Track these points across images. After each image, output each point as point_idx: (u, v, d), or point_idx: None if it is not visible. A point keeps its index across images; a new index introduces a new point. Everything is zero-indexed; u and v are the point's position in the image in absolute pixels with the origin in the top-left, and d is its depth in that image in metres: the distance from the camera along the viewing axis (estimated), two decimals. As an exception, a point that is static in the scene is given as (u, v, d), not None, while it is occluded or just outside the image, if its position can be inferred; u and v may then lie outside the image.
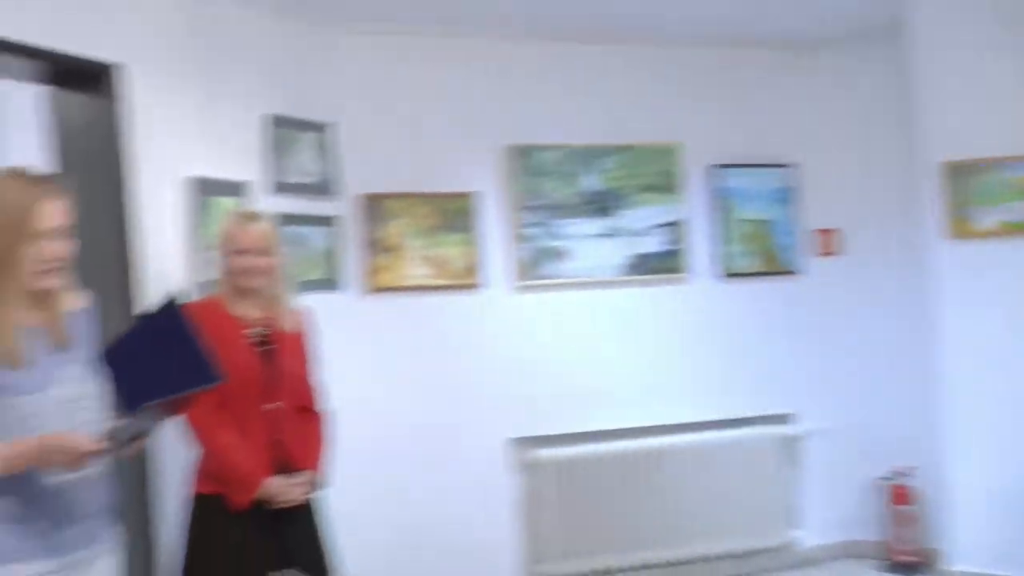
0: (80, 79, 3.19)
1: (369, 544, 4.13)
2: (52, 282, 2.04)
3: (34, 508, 1.99)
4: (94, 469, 2.08)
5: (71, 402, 2.05)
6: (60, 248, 2.03)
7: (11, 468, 1.91)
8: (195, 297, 3.18)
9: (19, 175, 2.05)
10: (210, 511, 2.78)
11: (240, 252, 2.83)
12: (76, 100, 3.24)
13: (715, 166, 4.80)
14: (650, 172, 4.66)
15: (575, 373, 4.53)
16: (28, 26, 2.86)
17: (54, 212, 2.02)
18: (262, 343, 2.85)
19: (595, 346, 4.58)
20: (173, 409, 2.27)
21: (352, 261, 4.27)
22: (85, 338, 2.17)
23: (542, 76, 4.55)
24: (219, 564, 2.75)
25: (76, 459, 1.94)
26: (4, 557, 1.94)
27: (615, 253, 4.61)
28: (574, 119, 4.58)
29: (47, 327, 2.06)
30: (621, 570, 4.56)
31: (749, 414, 4.82)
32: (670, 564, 4.61)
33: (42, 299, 2.07)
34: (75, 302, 2.18)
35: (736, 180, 4.83)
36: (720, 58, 4.85)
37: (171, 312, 2.26)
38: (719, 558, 4.71)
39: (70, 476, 2.03)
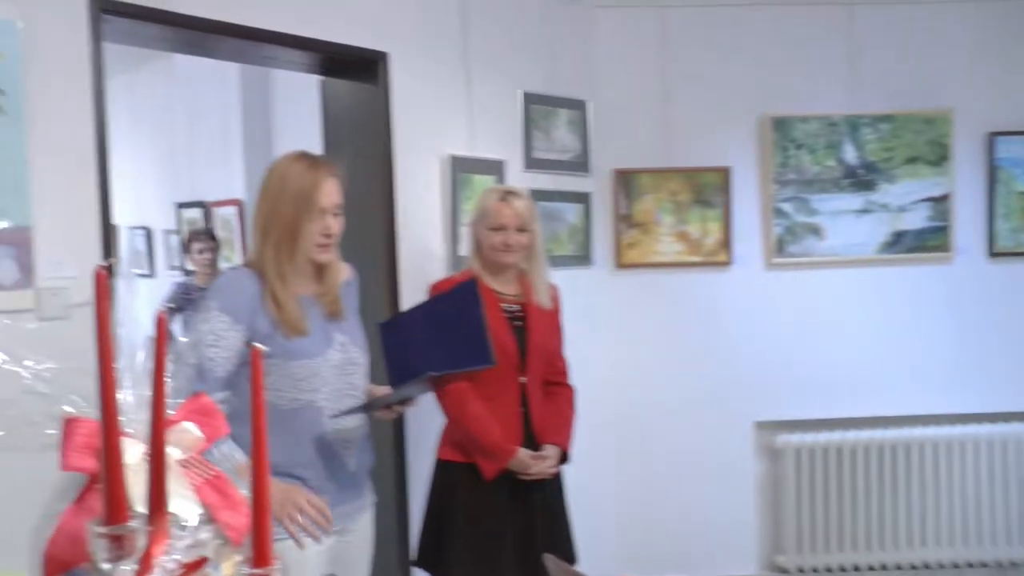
0: (349, 68, 3.45)
1: (605, 520, 4.24)
2: (329, 255, 2.24)
3: (308, 465, 2.21)
4: (357, 427, 2.28)
5: (341, 368, 2.24)
6: (336, 224, 2.23)
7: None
8: (451, 272, 3.36)
9: (303, 157, 2.26)
10: (453, 478, 2.89)
11: (498, 228, 2.89)
12: (346, 87, 3.52)
13: (990, 134, 4.40)
14: (916, 142, 4.35)
15: (826, 357, 4.35)
16: (304, 22, 3.13)
17: (333, 190, 2.22)
18: (515, 317, 2.94)
19: (848, 329, 4.36)
20: (440, 382, 2.44)
21: (603, 237, 4.34)
22: (352, 308, 2.38)
23: (800, 42, 4.35)
24: (461, 529, 2.84)
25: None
26: None
27: (874, 230, 4.36)
28: (834, 87, 4.35)
29: (322, 297, 2.28)
30: (862, 569, 4.38)
31: (1012, 409, 4.42)
32: (914, 568, 4.36)
33: (318, 271, 2.29)
34: (343, 274, 2.37)
35: (1013, 149, 4.40)
36: (996, 12, 4.40)
37: (469, 292, 2.43)
38: (970, 566, 4.39)
39: (342, 435, 2.23)
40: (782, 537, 4.40)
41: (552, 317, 3.05)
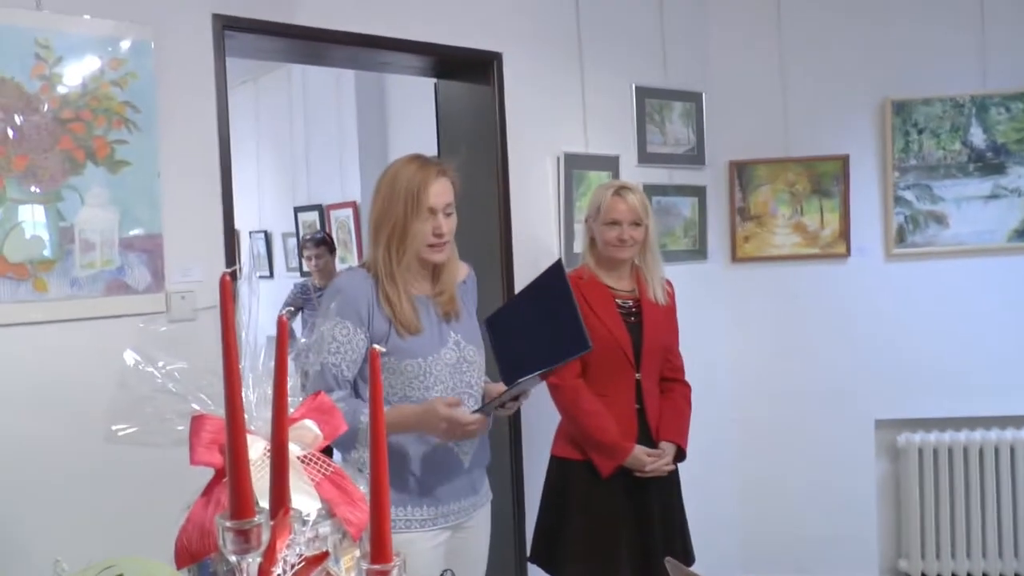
0: (463, 69, 3.51)
1: (724, 518, 4.18)
2: (441, 255, 2.27)
3: (423, 461, 2.25)
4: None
5: (455, 366, 2.27)
6: (448, 224, 2.26)
7: (399, 430, 2.16)
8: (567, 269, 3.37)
9: (415, 159, 2.29)
10: (568, 475, 2.89)
11: (612, 223, 2.89)
12: (460, 89, 3.58)
13: None
14: (1051, 123, 4.11)
15: (950, 352, 4.14)
16: (417, 25, 3.20)
17: (443, 191, 2.24)
18: (630, 313, 2.92)
19: (975, 322, 4.14)
20: (547, 376, 2.44)
21: (718, 230, 4.28)
22: (468, 307, 2.41)
23: (923, 21, 4.16)
24: (576, 527, 2.84)
25: (455, 430, 2.14)
26: (393, 501, 2.21)
27: (1004, 216, 4.11)
28: (960, 67, 4.14)
29: (437, 297, 2.31)
30: (989, 579, 4.17)
31: None
32: None
33: (434, 270, 2.32)
34: (460, 273, 2.40)
35: None
36: None
37: (556, 275, 2.43)
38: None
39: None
40: (905, 541, 4.24)
41: (668, 313, 3.03)
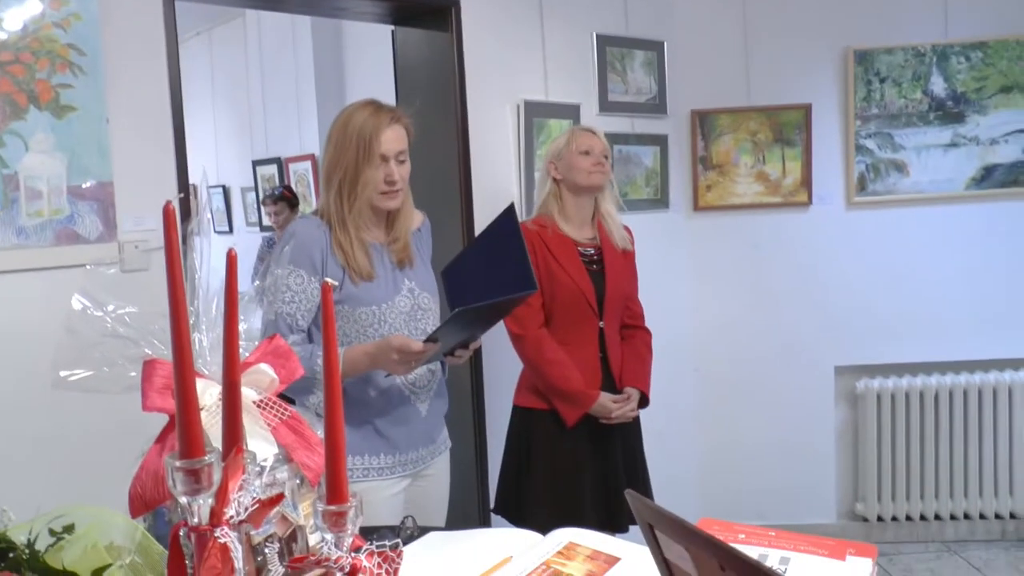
0: (421, 16, 3.44)
1: (684, 465, 4.22)
2: (393, 202, 2.23)
3: (381, 410, 2.24)
4: (429, 374, 2.29)
5: (409, 314, 2.25)
6: (400, 171, 2.21)
7: (354, 370, 2.14)
8: (524, 219, 3.34)
9: (367, 104, 2.24)
10: (531, 424, 2.89)
11: (586, 152, 2.88)
12: (417, 36, 3.51)
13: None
14: (1012, 70, 4.11)
15: (909, 299, 4.20)
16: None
17: (395, 137, 2.20)
18: (592, 261, 2.91)
19: (934, 270, 4.20)
20: (495, 316, 2.43)
21: (680, 180, 4.27)
22: (423, 255, 2.38)
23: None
24: (540, 476, 2.85)
25: (408, 359, 2.10)
26: (352, 449, 2.19)
27: (963, 165, 4.15)
28: (921, 16, 4.15)
29: (391, 244, 2.28)
30: (944, 518, 4.26)
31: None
32: (999, 517, 4.22)
33: (388, 218, 2.29)
34: (415, 221, 2.37)
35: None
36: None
37: (508, 219, 2.40)
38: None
39: (409, 379, 2.25)
40: (861, 485, 4.32)
41: (628, 259, 3.02)
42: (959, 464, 4.21)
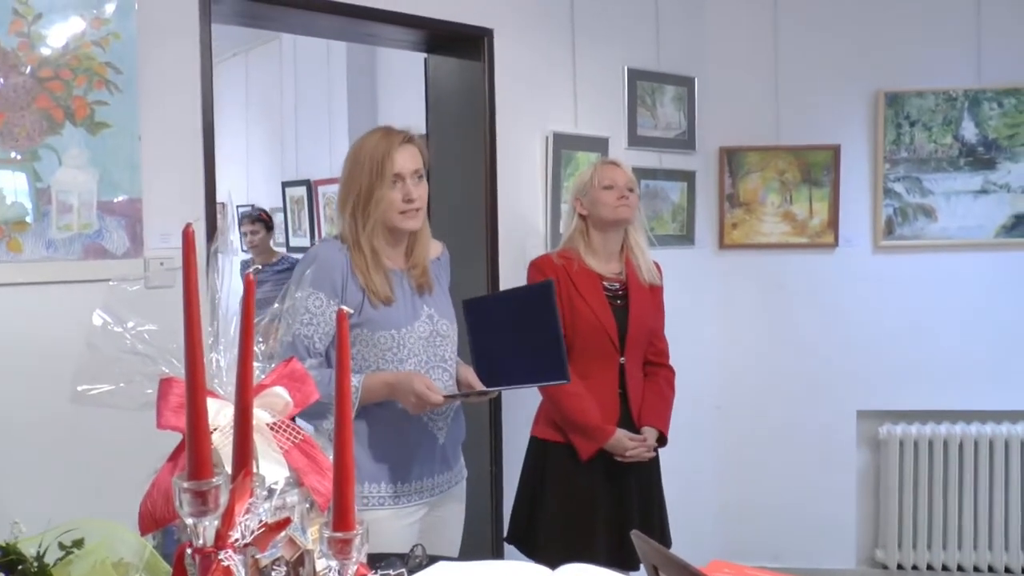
0: (454, 45, 3.47)
1: (702, 504, 4.18)
2: (414, 223, 2.23)
3: (400, 436, 2.23)
4: (450, 406, 2.29)
5: (428, 339, 2.25)
6: (418, 189, 2.22)
7: (371, 398, 2.14)
8: (549, 249, 3.34)
9: (379, 129, 2.28)
10: (547, 456, 2.87)
11: (610, 186, 2.86)
12: (450, 64, 3.54)
13: None
14: (1044, 119, 4.09)
15: (935, 345, 4.15)
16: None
17: (409, 156, 2.22)
18: (616, 296, 2.89)
19: (961, 316, 4.15)
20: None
21: (706, 217, 4.26)
22: (442, 283, 2.38)
23: (919, 14, 4.15)
24: (553, 509, 2.82)
25: (423, 405, 2.12)
26: (369, 476, 2.19)
27: (992, 212, 4.11)
28: (954, 60, 4.13)
29: (410, 270, 2.29)
30: (966, 570, 4.17)
31: None
32: None
33: (408, 244, 2.30)
34: (434, 250, 2.38)
35: None
36: None
37: (545, 296, 2.40)
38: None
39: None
40: (882, 531, 4.25)
41: (655, 295, 2.99)
42: (983, 515, 4.13)
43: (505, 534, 3.05)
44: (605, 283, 2.89)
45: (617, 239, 2.94)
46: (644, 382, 2.95)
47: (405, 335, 2.21)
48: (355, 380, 2.09)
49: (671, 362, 3.06)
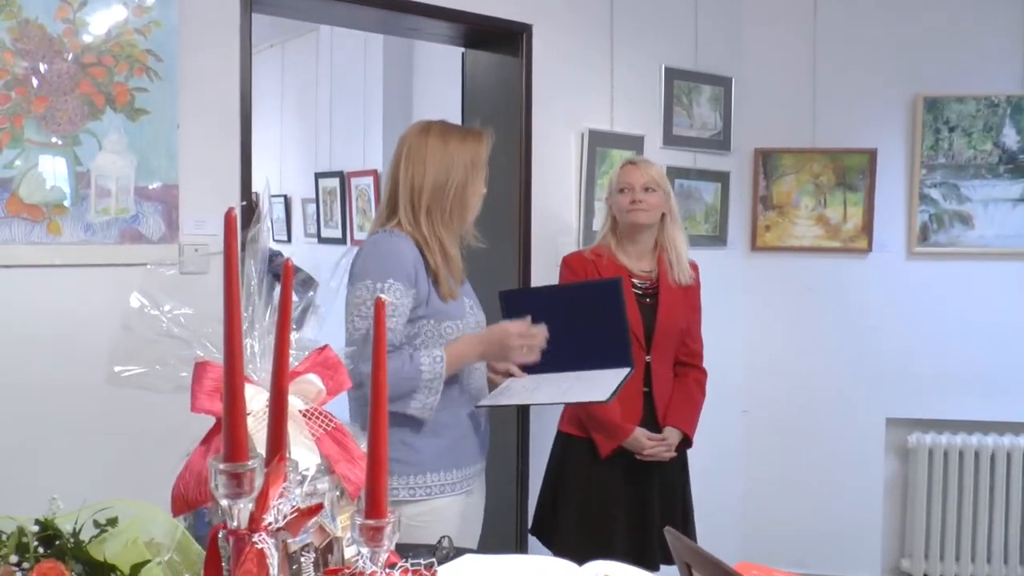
0: (492, 40, 3.47)
1: (729, 507, 4.16)
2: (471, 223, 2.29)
3: (462, 422, 2.26)
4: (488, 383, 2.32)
5: (475, 330, 2.28)
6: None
7: (461, 362, 2.19)
8: (582, 247, 3.34)
9: (449, 125, 2.27)
10: (570, 451, 2.88)
11: (624, 188, 2.86)
12: (487, 59, 3.54)
13: None
14: (1086, 127, 4.01)
15: (967, 354, 4.09)
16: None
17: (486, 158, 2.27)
18: (645, 294, 2.88)
19: (994, 326, 4.08)
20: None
21: (739, 218, 4.24)
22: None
23: (962, 17, 4.09)
24: (574, 504, 2.83)
25: (530, 341, 2.19)
26: (430, 466, 2.19)
27: (1032, 220, 4.05)
28: (997, 65, 4.07)
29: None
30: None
31: None
32: None
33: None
34: None
35: None
36: None
37: (614, 289, 2.43)
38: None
39: (476, 387, 2.28)
40: (908, 541, 4.21)
41: (688, 295, 2.96)
42: (1015, 529, 4.08)
43: (529, 526, 3.06)
44: (634, 280, 2.88)
45: (648, 238, 2.92)
46: (674, 382, 2.93)
47: (463, 326, 2.24)
48: (436, 352, 2.13)
49: (703, 363, 3.03)
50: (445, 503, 2.20)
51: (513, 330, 2.16)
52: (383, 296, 2.07)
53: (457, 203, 2.20)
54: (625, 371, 2.35)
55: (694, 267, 3.00)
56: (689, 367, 2.99)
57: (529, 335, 2.16)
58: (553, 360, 2.31)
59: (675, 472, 2.92)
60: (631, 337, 2.77)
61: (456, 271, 2.23)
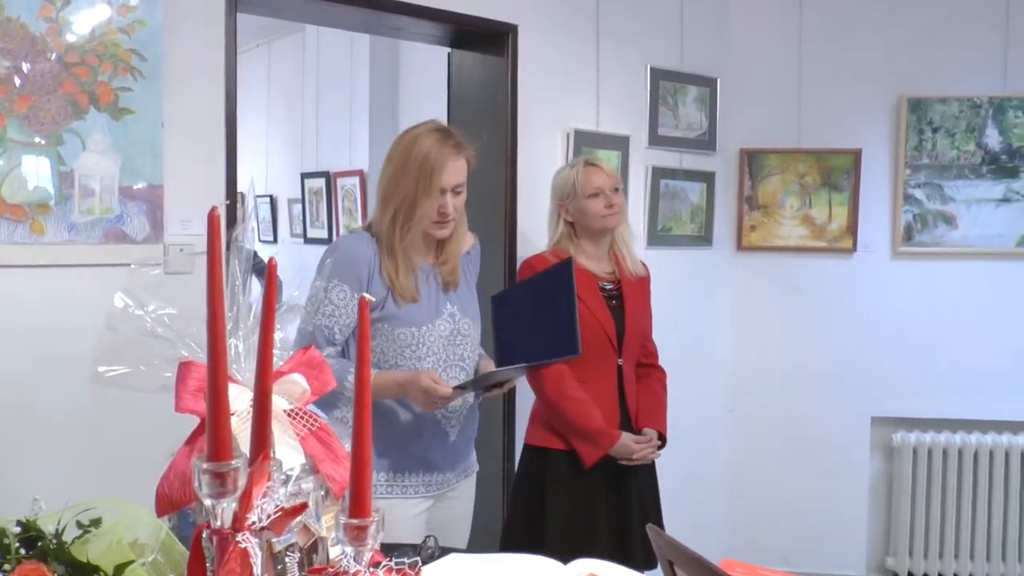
0: (478, 40, 3.47)
1: (713, 506, 4.17)
2: (444, 231, 2.22)
3: (411, 432, 2.23)
4: (461, 400, 2.26)
5: (448, 338, 2.24)
6: (456, 202, 2.20)
7: (381, 395, 2.13)
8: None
9: (437, 130, 2.21)
10: (547, 465, 2.77)
11: (594, 195, 2.78)
12: (473, 60, 3.54)
13: None
14: (1068, 128, 4.04)
15: (951, 353, 4.11)
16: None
17: (458, 170, 2.19)
18: (612, 296, 2.83)
19: (978, 325, 4.11)
20: (531, 370, 2.43)
21: (725, 218, 4.25)
22: (469, 278, 2.37)
23: (946, 19, 4.12)
24: (557, 520, 2.73)
25: (433, 400, 2.10)
26: (379, 465, 2.18)
27: (1014, 221, 4.07)
28: (980, 67, 4.09)
29: (441, 266, 2.27)
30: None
31: None
32: None
33: (440, 241, 2.28)
34: (466, 243, 2.36)
35: None
36: None
37: (564, 273, 2.38)
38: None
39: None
40: (893, 539, 4.23)
41: (644, 290, 2.93)
42: (996, 526, 4.11)
43: (499, 544, 2.94)
44: (600, 283, 2.83)
45: (607, 239, 2.88)
46: (637, 384, 2.89)
47: (425, 333, 2.20)
48: None
49: (681, 365, 3.01)
50: (391, 504, 2.16)
51: (423, 384, 2.08)
52: (333, 294, 2.08)
53: (404, 210, 2.16)
54: (573, 356, 2.33)
55: (645, 266, 2.97)
56: (649, 367, 2.96)
57: (432, 393, 2.08)
58: (519, 354, 2.30)
59: (649, 475, 2.88)
60: (604, 338, 2.77)
61: (410, 275, 2.19)
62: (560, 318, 2.31)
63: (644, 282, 2.94)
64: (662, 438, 2.85)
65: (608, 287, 2.84)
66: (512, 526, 2.87)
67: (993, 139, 4.09)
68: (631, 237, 2.93)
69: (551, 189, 2.95)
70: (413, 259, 2.20)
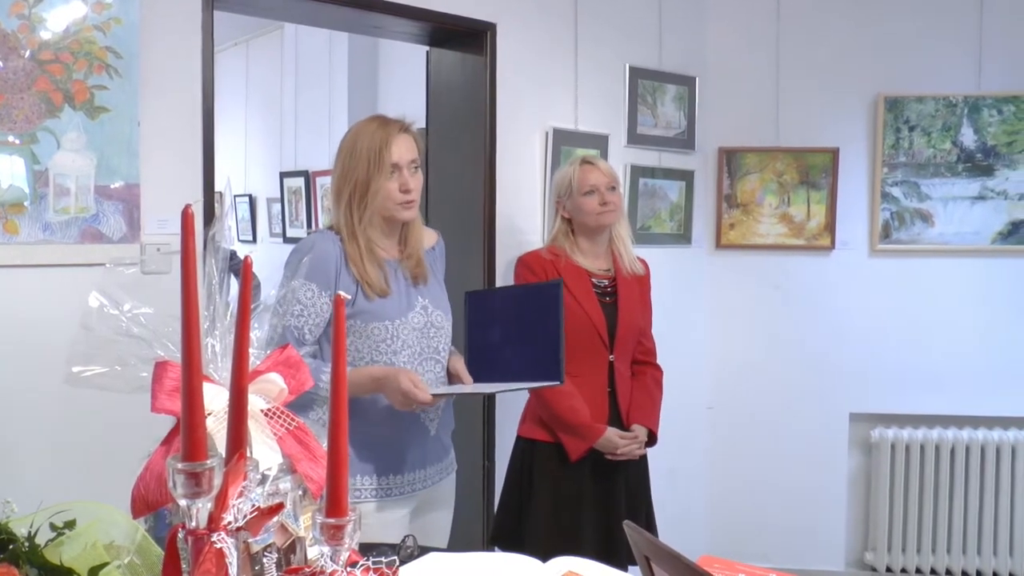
0: (457, 38, 3.47)
1: (694, 503, 4.19)
2: (410, 213, 2.23)
3: (391, 428, 2.22)
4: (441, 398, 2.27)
5: (422, 331, 2.24)
6: (415, 180, 2.21)
7: (358, 392, 2.12)
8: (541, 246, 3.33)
9: (374, 118, 2.26)
10: (535, 456, 2.83)
11: (590, 192, 2.84)
12: (452, 58, 3.54)
13: None
14: (1044, 127, 4.09)
15: (929, 350, 4.16)
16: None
17: (407, 147, 2.21)
18: (606, 293, 2.87)
19: (955, 322, 4.15)
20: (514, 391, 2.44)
21: (704, 216, 4.27)
22: (437, 273, 2.37)
23: (921, 19, 4.15)
24: (542, 511, 2.79)
25: (410, 403, 2.10)
26: (361, 469, 2.18)
27: (990, 219, 4.11)
28: (955, 66, 4.13)
29: (405, 261, 2.27)
30: (955, 574, 4.18)
31: None
32: None
33: (401, 234, 2.28)
34: (429, 240, 2.37)
35: None
36: None
37: (552, 295, 2.38)
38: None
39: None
40: (872, 534, 4.27)
41: (643, 289, 2.98)
42: (973, 520, 4.15)
43: (490, 534, 3.02)
44: (594, 280, 2.87)
45: (604, 237, 2.92)
46: (632, 381, 2.93)
47: (399, 327, 2.20)
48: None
49: (664, 362, 3.04)
50: (372, 508, 2.17)
51: (402, 386, 2.08)
52: (301, 294, 2.07)
53: (359, 196, 2.18)
54: (555, 384, 2.35)
55: (644, 264, 3.00)
56: (646, 365, 2.99)
57: (411, 395, 2.07)
58: (496, 366, 2.31)
59: (639, 471, 2.91)
60: (595, 335, 2.80)
61: (377, 268, 2.19)
62: (545, 342, 2.32)
63: (642, 280, 2.98)
64: (653, 435, 2.88)
65: (602, 284, 2.87)
66: (501, 515, 2.93)
67: (968, 137, 4.13)
68: (629, 233, 2.97)
69: (552, 186, 3.03)
70: (376, 243, 2.20)
